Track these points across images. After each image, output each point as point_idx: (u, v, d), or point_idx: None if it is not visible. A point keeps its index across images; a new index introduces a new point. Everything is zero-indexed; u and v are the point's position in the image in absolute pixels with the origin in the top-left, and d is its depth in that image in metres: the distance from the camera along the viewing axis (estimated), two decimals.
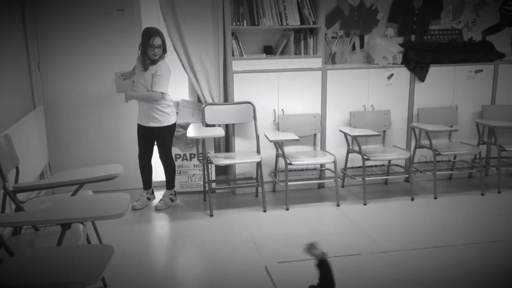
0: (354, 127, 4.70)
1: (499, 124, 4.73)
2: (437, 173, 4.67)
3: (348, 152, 4.77)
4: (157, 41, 4.00)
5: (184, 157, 4.70)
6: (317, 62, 4.69)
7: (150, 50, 4.01)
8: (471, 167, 5.02)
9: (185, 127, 4.49)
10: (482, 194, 4.65)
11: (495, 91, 5.05)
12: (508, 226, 3.92)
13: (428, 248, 3.54)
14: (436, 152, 4.60)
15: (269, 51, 4.82)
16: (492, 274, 3.18)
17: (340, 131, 4.64)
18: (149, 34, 4.02)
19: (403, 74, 4.86)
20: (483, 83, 5.01)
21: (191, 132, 4.23)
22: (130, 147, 4.55)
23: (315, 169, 4.84)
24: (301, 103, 4.71)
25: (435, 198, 4.58)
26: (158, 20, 4.50)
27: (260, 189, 4.48)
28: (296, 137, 4.29)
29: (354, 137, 4.49)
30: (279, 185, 4.66)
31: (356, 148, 4.56)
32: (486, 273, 3.19)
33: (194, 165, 4.71)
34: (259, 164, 4.40)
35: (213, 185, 4.72)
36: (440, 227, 3.90)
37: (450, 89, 4.96)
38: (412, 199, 4.55)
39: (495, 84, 5.03)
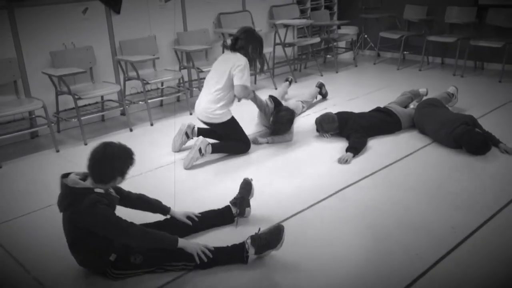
0: (58, 68, 4.47)
1: (194, 48, 5.24)
2: (149, 101, 4.94)
3: (57, 94, 4.54)
4: None
5: None
6: None
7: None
8: (177, 91, 5.48)
9: None
10: (191, 114, 5.16)
11: (185, 19, 5.51)
12: None
13: (152, 169, 3.82)
14: (144, 82, 4.83)
15: None
16: None
17: (43, 73, 4.35)
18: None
19: (98, 7, 4.80)
20: (174, 12, 5.40)
21: None
22: None
23: (23, 118, 4.46)
24: None
25: (152, 125, 4.87)
26: None
27: None
28: None
29: (60, 77, 4.29)
30: None
31: (65, 89, 4.38)
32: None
33: None
34: None
35: None
36: (159, 150, 4.21)
37: (146, 19, 5.17)
38: (131, 130, 4.74)
39: (184, 11, 5.48)
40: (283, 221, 2.96)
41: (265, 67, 4.00)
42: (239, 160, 3.95)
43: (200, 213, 2.86)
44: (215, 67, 3.97)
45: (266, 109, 4.31)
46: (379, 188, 3.36)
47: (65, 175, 2.43)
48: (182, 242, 2.45)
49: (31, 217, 3.16)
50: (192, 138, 4.06)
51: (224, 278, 2.47)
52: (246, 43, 3.87)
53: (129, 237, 2.35)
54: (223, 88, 3.84)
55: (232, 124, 3.98)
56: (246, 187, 2.96)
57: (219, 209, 2.92)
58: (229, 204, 2.94)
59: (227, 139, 4.01)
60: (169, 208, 2.78)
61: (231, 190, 3.04)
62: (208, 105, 3.88)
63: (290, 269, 2.52)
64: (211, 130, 4.07)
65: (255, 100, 4.19)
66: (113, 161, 2.34)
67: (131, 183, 3.55)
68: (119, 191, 2.62)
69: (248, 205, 2.96)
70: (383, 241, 2.73)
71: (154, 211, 2.76)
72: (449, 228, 2.82)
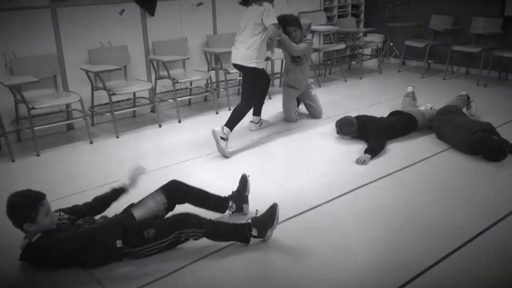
0: (95, 64, 4.76)
1: (223, 51, 5.45)
2: (178, 99, 5.18)
3: (92, 89, 4.83)
4: None
5: None
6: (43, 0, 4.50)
7: None
8: (205, 91, 5.71)
9: None
10: (217, 113, 5.39)
11: (215, 22, 5.75)
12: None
13: (178, 163, 4.04)
14: (174, 81, 5.07)
15: None
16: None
17: (81, 69, 4.64)
18: None
19: (133, 9, 5.08)
20: (205, 15, 5.65)
21: None
22: None
23: (61, 111, 4.76)
24: (34, 44, 4.49)
25: (179, 122, 5.11)
26: None
27: (3, 140, 4.20)
28: (35, 79, 4.12)
29: (97, 74, 4.57)
30: (25, 133, 4.46)
31: (100, 84, 4.65)
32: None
33: None
34: None
35: None
36: (185, 145, 4.44)
37: (178, 22, 5.43)
38: (160, 126, 4.98)
39: (214, 15, 5.72)
40: (300, 214, 3.14)
41: None
42: (260, 155, 4.14)
43: (202, 190, 3.04)
44: (244, 21, 4.30)
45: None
46: (394, 188, 3.49)
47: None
48: (136, 210, 2.66)
49: (65, 201, 3.36)
50: (227, 139, 4.17)
51: (233, 266, 2.66)
52: None
53: (90, 243, 2.55)
54: (260, 36, 4.23)
55: (257, 75, 4.35)
56: (243, 183, 3.12)
57: (219, 196, 3.07)
58: (228, 196, 3.10)
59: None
60: (123, 185, 2.97)
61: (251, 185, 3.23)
62: (246, 49, 4.25)
63: (302, 257, 2.69)
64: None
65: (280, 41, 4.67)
66: (13, 213, 2.52)
67: (156, 174, 3.80)
68: (72, 211, 2.83)
69: (246, 202, 3.11)
70: (394, 237, 2.87)
71: (116, 199, 2.94)
72: (459, 227, 2.94)
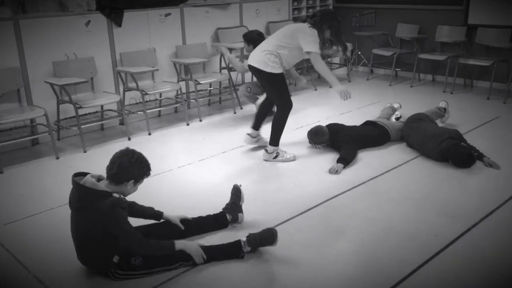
0: (60, 77, 4.62)
1: (192, 61, 5.41)
2: (147, 111, 5.08)
3: (58, 103, 4.68)
4: None
5: None
6: (5, 11, 4.33)
7: None
8: (175, 102, 5.63)
9: None
10: (188, 124, 5.32)
11: (184, 32, 5.70)
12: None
13: (151, 176, 3.94)
14: (144, 92, 4.98)
15: None
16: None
17: (46, 82, 4.50)
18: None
19: (100, 20, 4.97)
20: (174, 26, 5.58)
21: None
22: None
23: (25, 126, 4.59)
24: None
25: (149, 134, 5.01)
26: None
27: None
28: None
29: (62, 87, 4.43)
30: None
31: (66, 98, 4.52)
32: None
33: None
34: None
35: None
36: (157, 157, 4.34)
37: (146, 32, 5.35)
38: (129, 139, 4.87)
39: (183, 25, 5.66)
40: (274, 227, 3.09)
41: (347, 51, 4.68)
42: (231, 167, 4.09)
43: (196, 218, 3.00)
44: (281, 30, 4.12)
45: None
46: (368, 197, 3.50)
47: (78, 174, 2.57)
48: (180, 244, 2.61)
49: (32, 220, 3.28)
50: (278, 154, 4.18)
51: (221, 275, 2.60)
52: (321, 20, 3.98)
53: (135, 242, 2.51)
54: (284, 47, 3.96)
55: (275, 79, 4.01)
56: (236, 193, 3.11)
57: (214, 215, 3.07)
58: (223, 210, 3.09)
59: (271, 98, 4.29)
60: (161, 213, 2.90)
61: (225, 197, 3.18)
62: (261, 52, 4.00)
63: (279, 271, 2.65)
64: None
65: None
66: (138, 166, 2.54)
67: None
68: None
69: (240, 211, 3.10)
70: (369, 247, 2.86)
71: (147, 217, 2.88)
72: (433, 235, 2.96)
